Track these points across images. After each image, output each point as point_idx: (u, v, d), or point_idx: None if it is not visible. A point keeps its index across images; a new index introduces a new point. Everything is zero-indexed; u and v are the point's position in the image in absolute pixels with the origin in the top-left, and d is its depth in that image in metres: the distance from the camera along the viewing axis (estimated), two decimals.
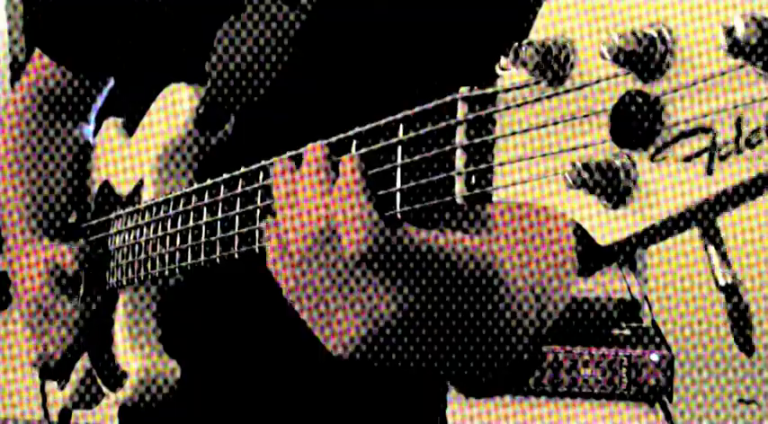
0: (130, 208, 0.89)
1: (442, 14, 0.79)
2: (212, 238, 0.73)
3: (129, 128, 0.97)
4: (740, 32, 0.36)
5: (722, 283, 0.42)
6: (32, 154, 1.07)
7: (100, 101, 1.10)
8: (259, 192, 0.67)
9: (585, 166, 0.42)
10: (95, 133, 1.08)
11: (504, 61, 0.46)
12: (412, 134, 0.54)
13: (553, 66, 0.44)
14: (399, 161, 0.55)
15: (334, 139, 0.60)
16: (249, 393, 0.94)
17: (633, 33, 0.40)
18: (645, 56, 0.40)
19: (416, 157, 0.54)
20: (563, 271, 0.66)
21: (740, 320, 0.44)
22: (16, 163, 1.07)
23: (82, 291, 0.96)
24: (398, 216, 0.54)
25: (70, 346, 0.95)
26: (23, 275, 0.97)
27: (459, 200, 0.50)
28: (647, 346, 2.25)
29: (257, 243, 0.67)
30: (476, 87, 0.50)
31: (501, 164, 0.48)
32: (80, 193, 1.05)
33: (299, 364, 0.90)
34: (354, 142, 0.58)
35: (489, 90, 0.49)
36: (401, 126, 0.55)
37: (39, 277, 0.96)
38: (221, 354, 0.96)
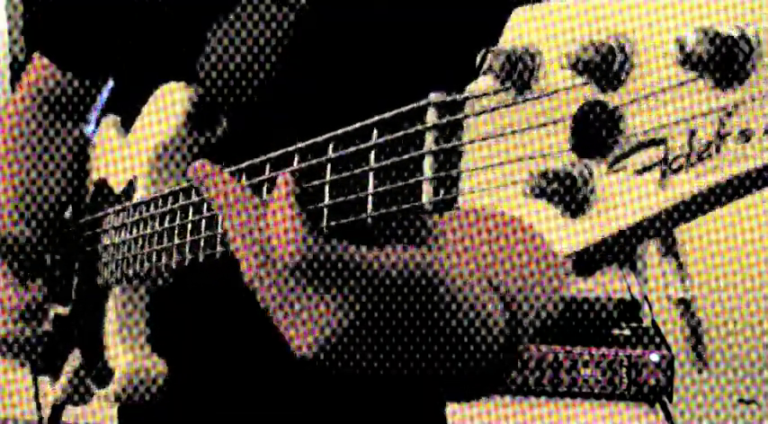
0: (121, 206, 0.89)
1: (428, 14, 0.79)
2: (196, 237, 0.73)
3: (127, 127, 0.98)
4: (691, 46, 0.36)
5: (677, 297, 0.42)
6: (31, 154, 1.07)
7: (100, 101, 1.10)
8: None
9: (544, 175, 0.42)
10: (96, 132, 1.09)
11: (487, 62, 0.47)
12: (381, 139, 0.54)
13: (520, 74, 0.44)
14: (372, 165, 0.55)
15: (310, 142, 0.61)
16: (243, 392, 0.94)
17: (592, 44, 0.40)
18: (603, 66, 0.40)
19: (386, 162, 0.54)
20: (541, 272, 0.66)
21: (693, 334, 0.43)
22: (16, 163, 1.07)
23: (74, 290, 0.96)
24: (369, 221, 0.55)
25: (28, 341, 0.95)
26: None
27: (427, 206, 0.51)
28: (647, 346, 2.25)
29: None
30: (445, 93, 0.50)
31: (468, 171, 0.48)
32: (78, 192, 1.05)
33: (293, 363, 0.90)
34: (330, 145, 0.59)
35: (458, 96, 0.49)
36: (374, 130, 0.55)
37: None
38: (213, 353, 0.95)
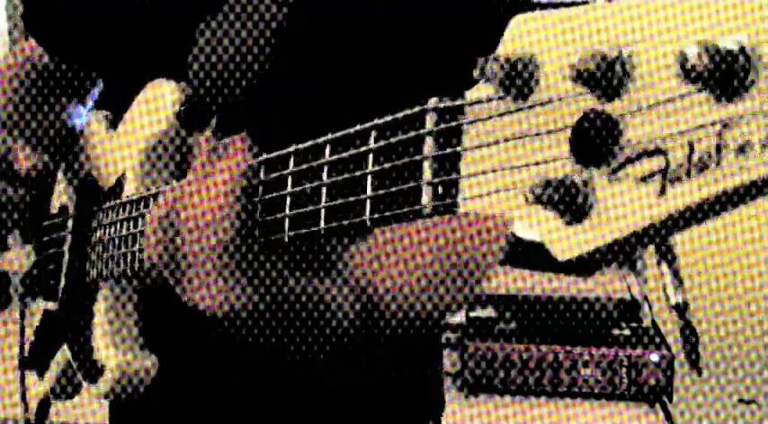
0: (111, 202, 0.89)
1: (422, 15, 0.79)
2: None
3: (114, 122, 0.98)
4: (692, 60, 0.37)
5: (673, 302, 0.43)
6: (20, 126, 1.08)
7: (95, 91, 1.11)
8: None
9: (545, 182, 0.43)
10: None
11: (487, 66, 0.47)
12: (382, 143, 0.55)
13: (519, 81, 0.45)
14: (370, 168, 0.56)
15: (309, 144, 0.61)
16: (236, 389, 0.94)
17: (593, 54, 0.41)
18: (605, 76, 0.41)
19: (386, 165, 0.54)
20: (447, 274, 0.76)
21: (689, 339, 0.44)
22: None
23: (62, 287, 0.96)
24: (368, 223, 0.55)
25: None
26: None
27: (426, 210, 0.51)
28: (647, 346, 2.25)
29: None
30: (445, 99, 0.51)
31: (468, 176, 0.48)
32: (77, 175, 1.05)
33: (288, 361, 0.90)
34: (327, 148, 0.59)
35: (457, 102, 0.49)
36: (372, 133, 0.56)
37: None
38: (203, 349, 0.95)
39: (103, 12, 0.98)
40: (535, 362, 2.24)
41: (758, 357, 2.50)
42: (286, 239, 0.63)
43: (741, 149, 0.37)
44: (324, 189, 0.60)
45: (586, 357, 2.23)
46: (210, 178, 0.67)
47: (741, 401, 2.46)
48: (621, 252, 0.42)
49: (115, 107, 0.98)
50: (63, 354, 0.99)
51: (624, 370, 2.22)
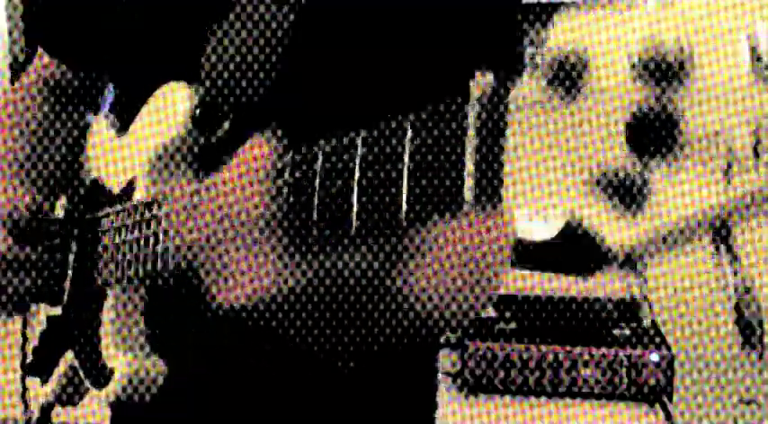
0: (120, 207, 0.89)
1: (435, 8, 0.79)
2: None
3: (121, 126, 0.97)
4: (764, 47, 0.37)
5: (734, 286, 0.43)
6: (33, 140, 1.08)
7: (108, 95, 1.11)
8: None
9: (603, 173, 0.42)
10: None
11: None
12: (422, 134, 0.54)
13: (568, 75, 0.44)
14: (407, 161, 0.55)
15: (344, 139, 0.60)
16: (239, 392, 0.94)
17: (653, 44, 0.41)
18: (664, 66, 0.41)
19: (426, 158, 0.53)
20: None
21: (751, 323, 0.44)
22: (18, 147, 1.07)
23: (66, 292, 0.96)
24: (403, 217, 0.55)
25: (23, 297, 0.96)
26: None
27: (468, 202, 0.50)
28: (647, 346, 2.25)
29: None
30: (490, 87, 0.50)
31: (512, 169, 0.48)
32: (73, 183, 1.04)
33: (288, 363, 0.90)
34: (360, 142, 0.58)
35: (503, 92, 0.49)
36: (409, 125, 0.55)
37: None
38: (211, 353, 0.95)
39: (112, 15, 0.98)
40: (535, 362, 2.24)
41: (758, 357, 2.50)
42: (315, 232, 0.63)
43: None
44: (355, 187, 0.59)
45: (586, 357, 2.23)
46: (238, 168, 0.68)
47: (741, 401, 2.46)
48: (680, 241, 0.42)
49: (123, 111, 0.98)
50: (67, 360, 0.99)
51: (624, 370, 2.22)
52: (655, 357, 2.21)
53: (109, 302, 0.91)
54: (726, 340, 2.49)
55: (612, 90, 0.43)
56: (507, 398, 2.22)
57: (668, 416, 2.17)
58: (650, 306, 2.40)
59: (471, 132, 0.50)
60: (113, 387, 0.87)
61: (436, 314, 0.76)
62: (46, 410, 1.04)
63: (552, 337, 2.29)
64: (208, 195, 0.70)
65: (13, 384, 1.13)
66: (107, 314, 0.91)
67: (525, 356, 2.24)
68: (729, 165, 0.39)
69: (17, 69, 2.46)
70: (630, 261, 0.43)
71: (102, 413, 1.10)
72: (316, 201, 0.62)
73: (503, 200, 0.48)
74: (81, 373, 0.95)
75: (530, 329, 2.35)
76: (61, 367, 0.99)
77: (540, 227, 0.47)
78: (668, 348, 2.24)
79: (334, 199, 0.60)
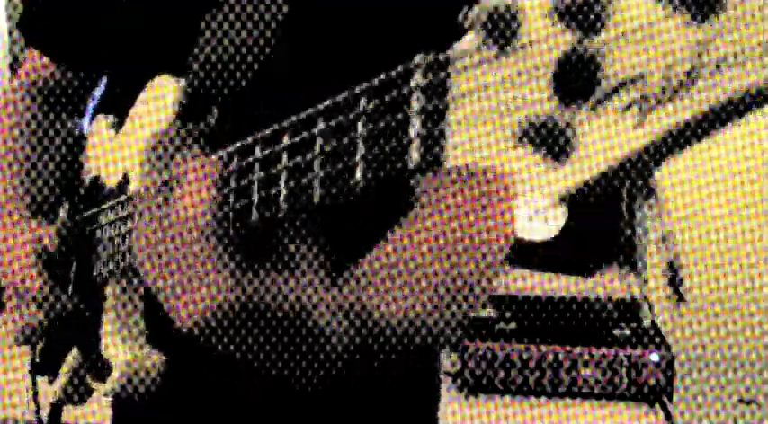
0: (115, 200, 0.90)
1: None
2: None
3: (120, 124, 0.98)
4: None
5: (655, 236, 0.43)
6: (27, 146, 1.08)
7: (96, 95, 1.11)
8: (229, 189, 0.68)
9: (529, 124, 0.43)
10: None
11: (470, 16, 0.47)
12: (370, 105, 0.55)
13: (502, 29, 0.45)
14: (360, 132, 0.56)
15: (303, 115, 0.61)
16: (239, 389, 0.94)
17: None
18: (583, 10, 0.41)
19: (374, 127, 0.55)
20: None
21: (672, 269, 0.45)
22: (10, 153, 1.08)
23: (72, 278, 0.96)
24: (359, 185, 0.56)
25: (46, 328, 0.96)
26: (10, 255, 0.98)
27: (414, 166, 0.51)
28: (646, 346, 2.25)
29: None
30: (430, 55, 0.51)
31: (453, 129, 0.49)
32: (73, 184, 1.05)
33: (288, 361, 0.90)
34: (320, 118, 0.60)
35: (442, 56, 0.50)
36: (361, 98, 0.56)
37: (25, 256, 0.97)
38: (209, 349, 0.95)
39: (102, 10, 0.98)
40: (535, 362, 2.24)
41: (758, 357, 2.50)
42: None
43: (717, 68, 0.36)
44: (317, 161, 0.60)
45: (586, 357, 2.23)
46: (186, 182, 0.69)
47: (741, 401, 2.46)
48: (605, 187, 0.42)
49: (119, 107, 0.99)
50: (74, 356, 0.99)
51: (624, 370, 2.22)
52: (655, 357, 2.21)
53: (108, 294, 0.91)
54: (726, 340, 2.49)
55: (541, 41, 0.43)
56: (507, 398, 2.22)
57: (668, 416, 2.17)
58: (650, 306, 2.41)
59: (416, 95, 0.51)
60: (112, 382, 0.88)
61: (408, 329, 0.76)
62: (56, 408, 1.05)
63: (552, 337, 2.29)
64: (158, 211, 0.70)
65: (13, 384, 1.13)
66: (107, 307, 0.91)
67: (525, 356, 2.24)
68: (642, 108, 0.39)
69: (17, 69, 2.46)
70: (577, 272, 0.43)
71: (103, 413, 1.10)
72: (281, 202, 0.63)
73: (446, 159, 0.49)
74: (83, 369, 0.96)
75: (530, 329, 2.35)
76: (68, 365, 1.00)
77: (540, 227, 0.47)
78: (668, 349, 2.24)
79: (301, 176, 0.62)
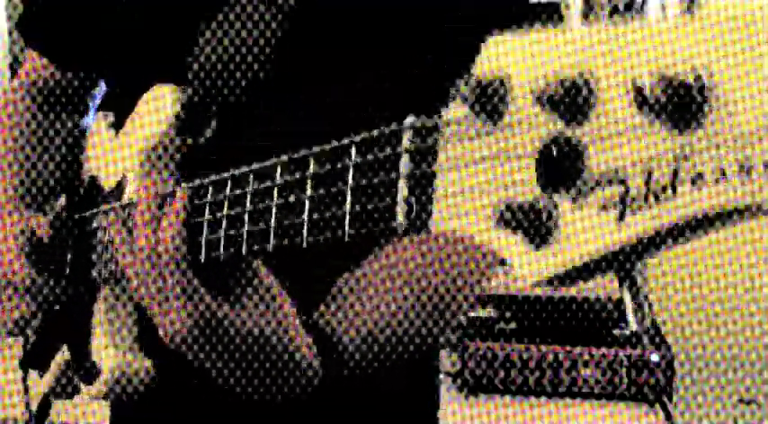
0: (110, 206, 0.90)
1: (405, 29, 0.80)
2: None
3: (118, 124, 0.98)
4: (647, 90, 0.38)
5: (633, 329, 0.44)
6: (26, 146, 1.08)
7: (97, 95, 1.11)
8: (225, 202, 0.68)
9: (509, 206, 0.43)
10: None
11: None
12: (359, 159, 0.56)
13: (490, 103, 0.45)
14: (350, 183, 0.56)
15: (295, 156, 0.62)
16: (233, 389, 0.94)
17: (559, 78, 0.41)
18: (569, 101, 0.41)
19: (364, 181, 0.55)
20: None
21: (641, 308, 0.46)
22: (10, 153, 1.08)
23: (66, 271, 0.96)
24: (346, 237, 0.56)
25: (37, 318, 0.97)
26: (1, 245, 0.98)
27: (399, 229, 0.52)
28: (646, 346, 2.25)
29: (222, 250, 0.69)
30: (421, 117, 0.51)
31: (440, 197, 0.49)
32: (72, 183, 1.05)
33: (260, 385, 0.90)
34: (311, 160, 0.60)
35: (433, 121, 0.50)
36: (353, 147, 0.56)
37: (16, 246, 0.97)
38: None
39: (102, 11, 0.98)
40: (535, 362, 2.24)
41: (758, 357, 2.50)
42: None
43: (696, 181, 0.37)
44: (306, 203, 0.61)
45: (586, 357, 2.23)
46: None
47: (741, 401, 2.46)
48: (582, 278, 0.43)
49: (119, 109, 0.99)
50: (63, 354, 0.99)
51: (624, 370, 2.22)
52: (655, 357, 2.21)
53: (101, 298, 0.91)
54: (726, 340, 2.49)
55: (526, 124, 0.44)
56: (507, 398, 2.22)
57: (668, 416, 2.17)
58: (650, 306, 2.40)
59: (405, 157, 0.51)
60: (100, 385, 0.88)
61: (376, 349, 0.78)
62: (43, 403, 1.05)
63: (552, 337, 2.29)
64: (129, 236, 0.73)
65: (13, 385, 1.13)
66: (99, 310, 0.91)
67: (525, 356, 2.24)
68: (623, 208, 0.39)
69: (17, 69, 2.46)
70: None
71: (103, 413, 1.10)
72: (272, 229, 0.63)
73: (431, 227, 0.50)
74: (71, 369, 0.96)
75: (530, 329, 2.35)
76: (56, 362, 1.00)
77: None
78: (668, 349, 2.24)
79: (286, 224, 0.62)
